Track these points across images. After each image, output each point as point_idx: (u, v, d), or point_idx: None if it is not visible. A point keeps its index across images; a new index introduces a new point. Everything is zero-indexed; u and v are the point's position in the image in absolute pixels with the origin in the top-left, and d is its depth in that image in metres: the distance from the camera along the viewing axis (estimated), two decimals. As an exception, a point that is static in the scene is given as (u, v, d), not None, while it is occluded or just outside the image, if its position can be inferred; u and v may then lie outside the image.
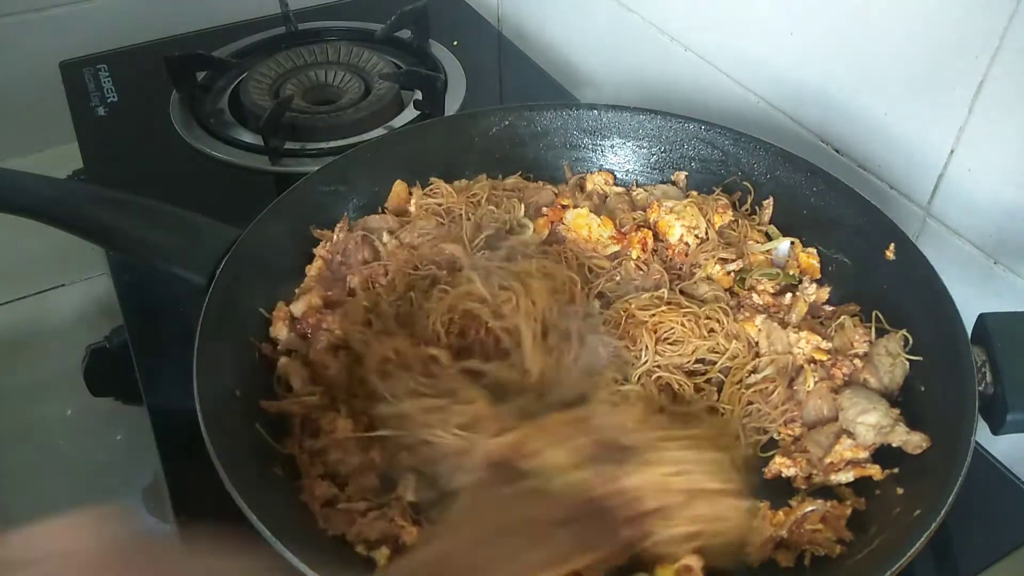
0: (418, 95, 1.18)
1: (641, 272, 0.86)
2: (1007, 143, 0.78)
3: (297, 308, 0.81)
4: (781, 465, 0.72)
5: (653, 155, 0.99)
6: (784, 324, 0.81)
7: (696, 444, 0.65)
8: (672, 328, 0.80)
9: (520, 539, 0.59)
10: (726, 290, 0.86)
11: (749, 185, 0.94)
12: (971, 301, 0.75)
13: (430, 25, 1.32)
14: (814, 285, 0.85)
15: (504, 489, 0.63)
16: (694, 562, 0.65)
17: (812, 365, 0.78)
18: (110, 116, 1.22)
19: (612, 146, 1.00)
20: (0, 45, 1.31)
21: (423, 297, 0.81)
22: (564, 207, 0.94)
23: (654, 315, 0.80)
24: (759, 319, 0.81)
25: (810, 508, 0.67)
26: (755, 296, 0.85)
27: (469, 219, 0.91)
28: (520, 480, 0.63)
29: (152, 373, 0.89)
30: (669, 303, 0.82)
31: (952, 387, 0.69)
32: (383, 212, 0.94)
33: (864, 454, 0.70)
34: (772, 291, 0.85)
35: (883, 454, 0.71)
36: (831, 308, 0.84)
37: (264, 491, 0.65)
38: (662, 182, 0.99)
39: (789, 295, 0.84)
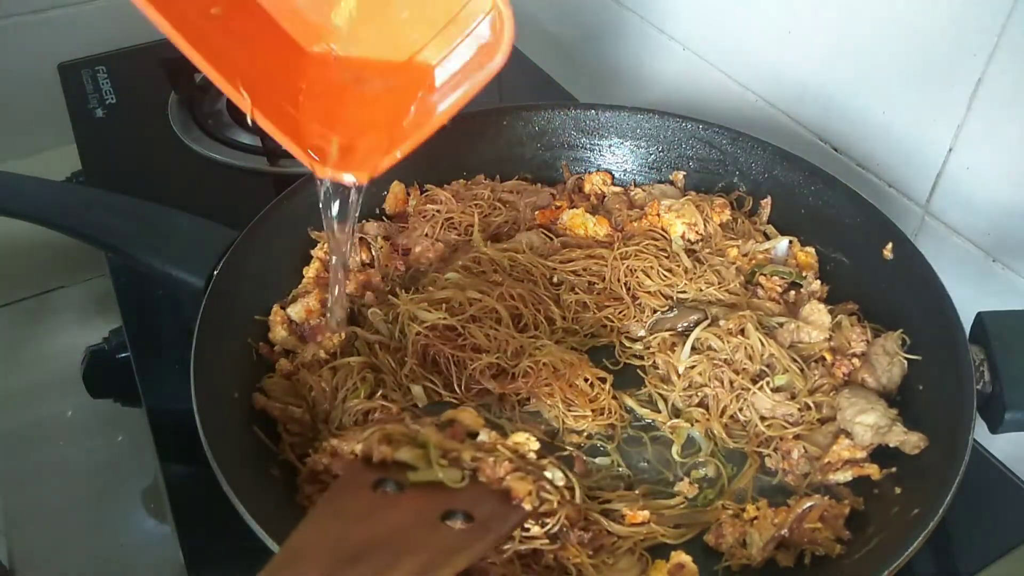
0: (416, 95, 1.18)
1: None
2: (1005, 141, 0.78)
3: (295, 311, 0.81)
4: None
5: (651, 155, 0.99)
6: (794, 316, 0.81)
7: None
8: None
9: (384, 554, 0.55)
10: (746, 283, 0.86)
11: (746, 195, 0.94)
12: (969, 300, 0.75)
13: (428, 25, 1.31)
14: (817, 282, 0.85)
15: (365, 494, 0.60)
16: (686, 560, 0.65)
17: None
18: (108, 118, 1.22)
19: (610, 146, 1.00)
20: (-1, 47, 1.31)
21: None
22: (559, 207, 0.94)
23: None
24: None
25: (809, 504, 0.67)
26: (760, 292, 0.85)
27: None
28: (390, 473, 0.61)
29: (151, 374, 0.89)
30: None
31: (950, 386, 0.69)
32: (380, 214, 0.94)
33: (862, 454, 0.70)
34: (780, 289, 0.85)
35: (881, 453, 0.71)
36: (829, 307, 0.84)
37: (261, 493, 0.65)
38: (660, 182, 0.99)
39: (793, 292, 0.85)
